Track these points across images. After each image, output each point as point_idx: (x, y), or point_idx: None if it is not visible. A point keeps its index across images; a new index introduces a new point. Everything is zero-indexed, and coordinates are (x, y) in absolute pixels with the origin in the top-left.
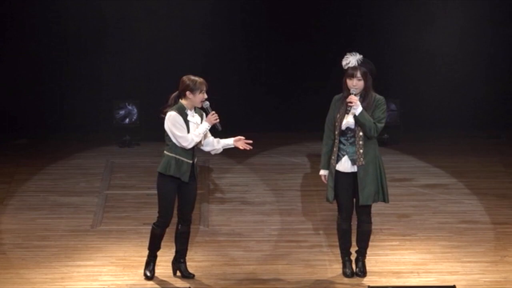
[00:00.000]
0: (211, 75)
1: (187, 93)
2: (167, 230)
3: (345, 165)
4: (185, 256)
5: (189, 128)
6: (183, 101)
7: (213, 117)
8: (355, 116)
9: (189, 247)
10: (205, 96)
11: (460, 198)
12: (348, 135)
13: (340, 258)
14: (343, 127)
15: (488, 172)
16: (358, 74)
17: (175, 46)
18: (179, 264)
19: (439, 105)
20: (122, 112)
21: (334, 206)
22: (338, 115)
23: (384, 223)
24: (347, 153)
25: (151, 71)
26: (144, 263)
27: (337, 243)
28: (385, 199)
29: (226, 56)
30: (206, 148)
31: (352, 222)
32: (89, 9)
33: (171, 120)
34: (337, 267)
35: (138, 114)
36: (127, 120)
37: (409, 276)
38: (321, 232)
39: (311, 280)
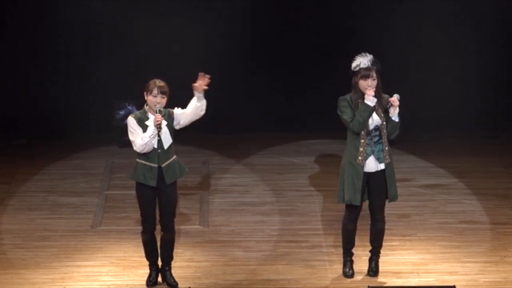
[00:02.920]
0: (211, 75)
1: (144, 94)
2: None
3: (370, 165)
4: (170, 264)
5: (146, 131)
6: (147, 105)
7: (155, 119)
8: (393, 121)
9: (189, 247)
10: (157, 100)
11: (460, 198)
12: (372, 134)
13: (341, 258)
14: (371, 126)
15: (488, 172)
16: (374, 74)
17: (175, 45)
18: (164, 272)
19: (439, 105)
20: (122, 112)
21: (335, 206)
22: None
23: None
24: (373, 153)
25: (151, 70)
26: (143, 264)
27: (337, 243)
28: (396, 196)
29: (226, 56)
30: (185, 122)
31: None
32: (90, 8)
33: (127, 124)
34: (337, 267)
35: None
36: (126, 120)
37: (409, 276)
38: (321, 232)
39: (311, 280)
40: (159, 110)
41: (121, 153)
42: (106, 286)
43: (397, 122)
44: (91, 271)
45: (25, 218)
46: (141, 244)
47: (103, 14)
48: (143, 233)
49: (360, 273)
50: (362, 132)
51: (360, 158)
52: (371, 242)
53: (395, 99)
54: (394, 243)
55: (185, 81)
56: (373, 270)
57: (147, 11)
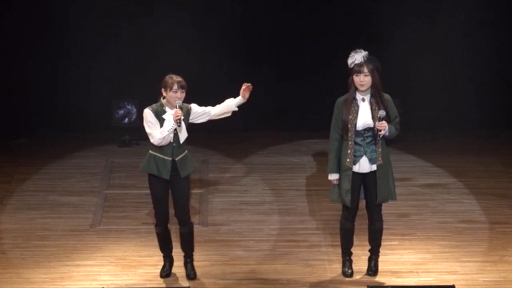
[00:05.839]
0: (210, 74)
1: (162, 90)
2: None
3: (363, 165)
4: (191, 256)
5: (163, 125)
6: (164, 99)
7: (175, 114)
8: (384, 136)
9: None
10: (178, 95)
11: (459, 198)
12: (364, 135)
13: (340, 258)
14: (360, 127)
15: (487, 172)
16: (365, 70)
17: (175, 44)
18: (186, 263)
19: (439, 104)
20: (121, 111)
21: (334, 205)
22: (350, 117)
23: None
24: (365, 153)
25: (151, 70)
26: (143, 263)
27: (337, 243)
28: (393, 197)
29: (226, 56)
30: (199, 121)
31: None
32: (89, 8)
33: (143, 117)
34: (337, 267)
35: (137, 114)
36: (126, 119)
37: (408, 275)
38: (320, 231)
39: (311, 280)
40: (179, 106)
41: (121, 152)
42: (105, 286)
43: (387, 136)
44: (90, 270)
45: (24, 217)
46: (140, 244)
47: (104, 14)
48: (156, 226)
49: (359, 272)
50: (349, 134)
51: (348, 160)
52: (370, 242)
53: (381, 125)
54: (393, 243)
55: (186, 80)
56: (372, 270)
57: (147, 11)
